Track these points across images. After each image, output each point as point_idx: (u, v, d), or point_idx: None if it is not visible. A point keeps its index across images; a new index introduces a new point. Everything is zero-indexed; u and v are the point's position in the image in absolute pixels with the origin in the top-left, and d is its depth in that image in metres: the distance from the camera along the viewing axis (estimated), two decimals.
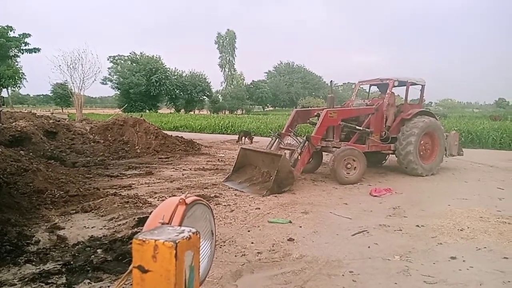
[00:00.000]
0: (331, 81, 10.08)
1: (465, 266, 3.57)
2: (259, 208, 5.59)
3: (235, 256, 3.79)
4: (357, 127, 8.22)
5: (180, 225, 1.29)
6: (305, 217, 5.22)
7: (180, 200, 1.37)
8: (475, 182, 8.07)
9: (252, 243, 4.16)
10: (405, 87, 9.13)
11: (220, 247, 3.96)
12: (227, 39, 73.73)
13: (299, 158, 7.41)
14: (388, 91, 8.73)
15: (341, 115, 8.03)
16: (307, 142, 7.48)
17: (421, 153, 8.65)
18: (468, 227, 4.76)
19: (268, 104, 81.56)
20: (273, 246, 4.07)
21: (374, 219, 5.16)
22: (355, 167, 7.55)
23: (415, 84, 9.19)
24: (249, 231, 4.58)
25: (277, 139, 8.28)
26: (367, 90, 10.25)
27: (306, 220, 5.08)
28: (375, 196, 6.54)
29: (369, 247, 4.10)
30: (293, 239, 4.27)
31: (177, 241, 1.05)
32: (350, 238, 4.40)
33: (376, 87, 9.70)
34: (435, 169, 8.83)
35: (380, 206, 5.91)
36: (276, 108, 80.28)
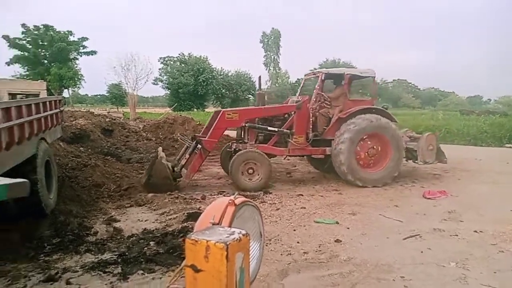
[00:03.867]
0: (259, 76, 9.06)
1: None
2: (305, 208, 5.54)
3: (281, 254, 3.80)
4: (269, 128, 7.13)
5: (230, 225, 1.31)
6: (352, 218, 5.10)
7: (230, 201, 1.40)
8: None
9: (298, 242, 4.14)
10: (350, 80, 7.56)
11: (266, 245, 3.98)
12: (272, 38, 73.62)
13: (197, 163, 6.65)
14: (317, 86, 7.54)
15: (244, 116, 7.00)
16: (198, 146, 6.65)
17: (368, 160, 7.16)
18: None
19: None
20: (319, 246, 4.02)
21: (428, 222, 4.90)
22: (258, 172, 6.66)
23: (361, 77, 7.72)
24: (295, 230, 4.57)
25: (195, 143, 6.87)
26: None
27: (353, 221, 4.96)
28: (429, 198, 6.21)
29: (422, 252, 3.91)
30: (341, 241, 4.19)
31: (228, 243, 1.06)
32: (401, 242, 4.23)
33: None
34: (387, 179, 7.08)
35: (434, 209, 5.61)
36: None
